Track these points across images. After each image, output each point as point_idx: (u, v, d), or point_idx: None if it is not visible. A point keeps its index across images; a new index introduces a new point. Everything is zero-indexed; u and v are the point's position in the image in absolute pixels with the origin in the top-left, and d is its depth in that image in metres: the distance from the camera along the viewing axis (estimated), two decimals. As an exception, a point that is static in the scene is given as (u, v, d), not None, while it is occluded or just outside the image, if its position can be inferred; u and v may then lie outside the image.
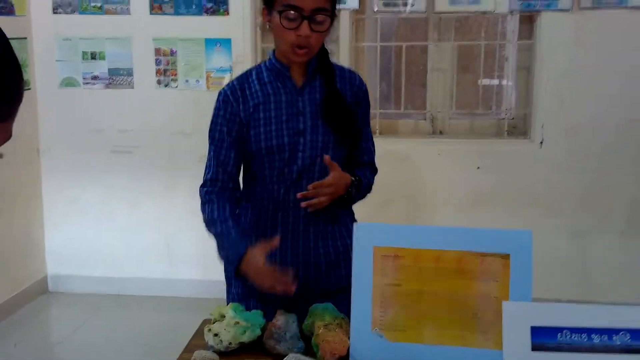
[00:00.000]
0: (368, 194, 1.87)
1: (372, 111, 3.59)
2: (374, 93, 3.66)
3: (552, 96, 3.44)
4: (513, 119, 3.67)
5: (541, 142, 3.48)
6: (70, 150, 3.88)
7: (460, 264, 1.33)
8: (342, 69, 1.82)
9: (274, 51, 1.77)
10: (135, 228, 3.90)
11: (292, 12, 1.61)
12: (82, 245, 3.95)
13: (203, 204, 1.75)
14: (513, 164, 3.54)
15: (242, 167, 1.80)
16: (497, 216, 3.53)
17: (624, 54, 3.36)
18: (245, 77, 1.79)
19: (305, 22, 1.62)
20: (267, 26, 1.72)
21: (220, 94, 1.78)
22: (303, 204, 1.68)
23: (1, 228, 3.60)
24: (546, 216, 3.53)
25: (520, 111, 3.63)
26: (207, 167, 1.77)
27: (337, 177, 1.68)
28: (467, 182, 3.57)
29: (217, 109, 1.76)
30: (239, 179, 1.81)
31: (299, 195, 1.68)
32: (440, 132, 3.71)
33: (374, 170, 1.90)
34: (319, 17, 1.63)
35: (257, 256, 1.59)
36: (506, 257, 1.32)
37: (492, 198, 3.57)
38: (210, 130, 1.77)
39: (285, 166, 1.71)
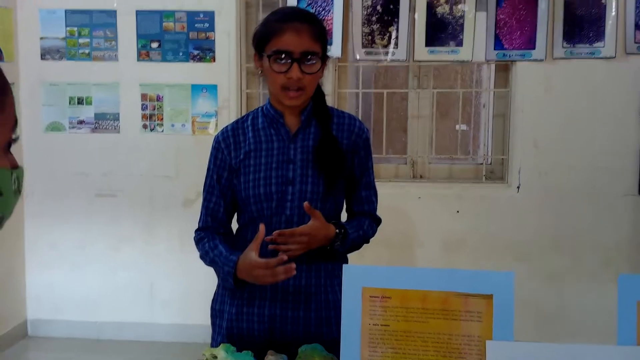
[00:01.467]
0: (365, 244, 1.85)
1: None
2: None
3: (527, 142, 3.56)
4: (490, 163, 3.78)
5: (518, 187, 3.58)
6: (53, 193, 3.90)
7: (445, 304, 1.39)
8: (341, 114, 1.81)
9: (269, 98, 1.79)
10: (116, 272, 3.90)
11: (282, 55, 1.64)
12: (62, 289, 3.94)
13: (196, 244, 1.80)
14: (491, 208, 3.63)
15: (236, 211, 1.82)
16: (475, 259, 3.60)
17: (595, 102, 3.50)
18: (240, 122, 1.80)
19: (295, 65, 1.64)
20: (260, 71, 1.74)
21: (214, 139, 1.80)
22: (270, 247, 1.63)
23: (-17, 272, 3.59)
24: (521, 259, 3.61)
25: (498, 156, 3.75)
26: (200, 214, 1.81)
27: (315, 226, 1.63)
28: (447, 225, 3.64)
29: (210, 155, 1.80)
30: (230, 225, 1.83)
31: (266, 239, 1.62)
32: (421, 176, 3.80)
33: (376, 221, 1.88)
34: (309, 60, 1.66)
35: (248, 254, 1.60)
36: (489, 297, 1.38)
37: (470, 241, 3.64)
38: (205, 176, 1.81)
39: (273, 215, 1.71)
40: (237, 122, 1.82)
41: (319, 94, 1.78)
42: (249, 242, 1.70)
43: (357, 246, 1.82)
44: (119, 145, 3.85)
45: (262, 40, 1.69)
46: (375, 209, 1.89)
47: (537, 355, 1.32)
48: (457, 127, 3.72)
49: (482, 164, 3.74)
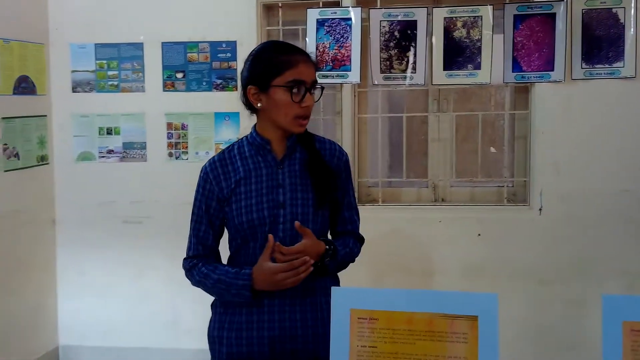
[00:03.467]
0: (351, 263, 1.90)
1: (375, 180, 3.73)
2: (377, 163, 3.78)
3: (548, 163, 3.52)
4: (513, 186, 3.75)
5: (540, 209, 3.54)
6: (83, 221, 4.01)
7: (431, 325, 1.40)
8: (322, 140, 1.90)
9: (254, 126, 1.86)
10: (142, 298, 3.97)
11: (298, 86, 1.73)
12: (91, 315, 4.03)
13: (188, 271, 1.86)
14: (513, 231, 3.59)
15: (228, 237, 1.88)
16: (496, 283, 3.56)
17: (616, 123, 3.45)
18: (227, 151, 1.87)
19: (308, 94, 1.74)
20: (258, 104, 1.78)
21: (201, 170, 1.87)
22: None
23: (16, 298, 3.70)
24: (544, 284, 3.56)
25: (520, 178, 3.71)
26: (189, 242, 1.88)
27: (308, 244, 1.70)
28: (468, 249, 3.61)
29: (198, 184, 1.86)
30: (218, 250, 1.90)
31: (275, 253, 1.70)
32: (442, 200, 3.79)
33: (359, 239, 1.93)
34: (316, 88, 1.77)
35: (263, 264, 1.69)
36: (474, 319, 1.38)
37: (492, 265, 3.60)
38: (193, 205, 1.87)
39: (266, 239, 1.74)
40: (222, 152, 1.88)
41: None
42: (242, 264, 1.75)
43: (345, 264, 1.87)
44: (145, 174, 3.95)
45: (270, 74, 1.74)
46: (357, 228, 1.95)
47: (522, 377, 1.31)
48: (478, 150, 3.70)
49: (503, 186, 3.71)
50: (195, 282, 1.84)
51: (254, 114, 1.87)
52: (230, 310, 1.82)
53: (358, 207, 2.00)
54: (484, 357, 1.36)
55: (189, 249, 1.88)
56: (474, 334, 1.37)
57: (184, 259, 1.88)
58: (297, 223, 1.71)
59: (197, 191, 1.86)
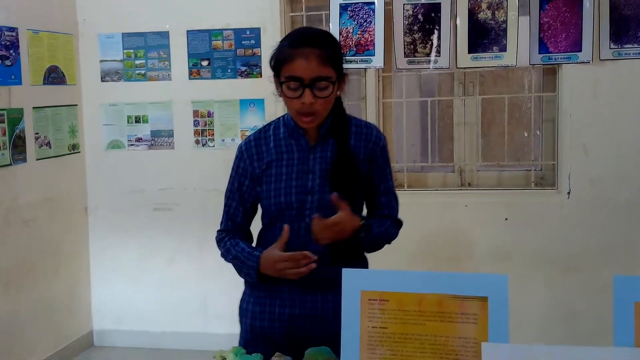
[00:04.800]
0: (387, 245, 1.89)
1: (400, 165, 3.71)
2: (402, 147, 3.76)
3: (576, 146, 3.46)
4: (540, 170, 3.70)
5: (568, 193, 3.48)
6: (114, 208, 4.09)
7: (441, 306, 1.39)
8: (359, 123, 1.86)
9: None
10: (172, 283, 4.04)
11: (292, 82, 1.69)
12: (123, 300, 4.12)
13: (218, 243, 1.91)
14: (540, 215, 3.54)
15: (260, 213, 1.90)
16: (524, 268, 3.52)
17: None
18: (263, 131, 1.88)
19: (307, 91, 1.68)
20: (279, 93, 1.79)
21: (237, 149, 1.89)
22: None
23: (50, 283, 3.80)
24: (572, 269, 3.51)
25: (548, 162, 3.66)
26: (222, 217, 1.92)
27: (343, 217, 1.69)
28: (495, 234, 3.58)
29: (234, 163, 1.89)
30: (248, 228, 1.93)
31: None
32: (469, 184, 3.76)
33: (397, 223, 1.91)
34: (321, 85, 1.69)
35: (272, 250, 1.72)
36: (484, 299, 1.37)
37: (519, 250, 3.56)
38: (228, 182, 1.90)
39: (294, 222, 1.77)
40: (259, 131, 1.89)
41: (339, 109, 1.83)
42: (268, 243, 1.78)
43: (379, 243, 1.86)
44: (173, 161, 4.00)
45: (277, 66, 1.75)
46: (396, 214, 1.93)
47: (532, 357, 1.30)
48: (505, 134, 3.65)
49: (531, 170, 3.66)
50: (222, 255, 1.90)
51: None
52: (257, 285, 1.85)
53: None
54: (494, 337, 1.35)
55: (221, 222, 1.92)
56: (484, 314, 1.37)
57: (217, 230, 1.93)
58: (334, 195, 1.70)
59: (233, 168, 1.89)
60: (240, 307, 1.93)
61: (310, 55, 1.69)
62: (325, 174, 1.78)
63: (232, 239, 1.87)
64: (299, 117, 1.74)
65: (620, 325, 1.26)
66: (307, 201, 1.77)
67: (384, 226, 1.85)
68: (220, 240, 1.90)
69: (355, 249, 1.81)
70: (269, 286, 1.82)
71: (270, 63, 1.79)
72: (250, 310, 1.88)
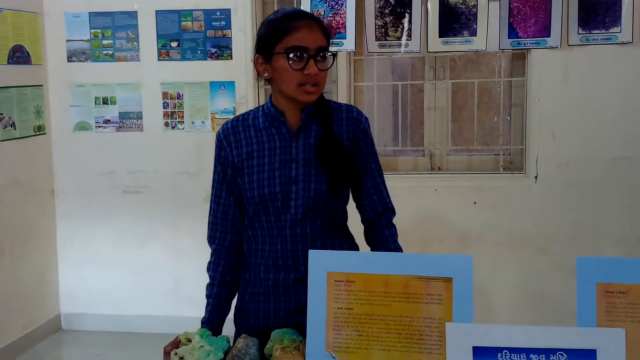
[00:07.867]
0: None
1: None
2: (373, 131, 3.75)
3: (545, 131, 3.50)
4: (509, 154, 3.73)
5: (536, 177, 3.53)
6: (82, 191, 4.03)
7: (406, 287, 1.40)
8: (339, 107, 1.80)
9: (270, 97, 1.79)
10: (143, 267, 4.01)
11: (298, 52, 1.64)
12: (93, 284, 4.07)
13: (207, 265, 1.89)
14: (509, 199, 3.58)
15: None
16: (494, 251, 3.57)
17: (613, 89, 3.42)
18: (241, 120, 1.80)
19: (312, 61, 1.65)
20: (265, 74, 1.73)
21: (216, 136, 1.81)
22: None
23: (16, 267, 3.74)
24: (541, 252, 3.56)
25: (516, 146, 3.69)
26: (210, 208, 1.84)
27: None
28: (465, 217, 3.61)
29: (215, 151, 1.82)
30: (243, 218, 1.83)
31: None
32: (439, 168, 3.78)
33: (392, 212, 1.94)
34: (323, 55, 1.67)
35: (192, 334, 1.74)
36: (449, 280, 1.38)
37: (488, 233, 3.60)
38: (213, 172, 1.83)
39: (280, 214, 1.73)
40: (236, 119, 1.81)
41: None
42: (254, 239, 1.80)
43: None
44: (142, 143, 3.95)
45: (272, 41, 1.69)
46: (384, 197, 1.90)
47: (496, 337, 1.32)
48: (475, 118, 3.68)
49: (499, 154, 3.69)
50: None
51: (269, 85, 1.80)
52: (252, 282, 1.82)
53: None
54: (458, 317, 1.36)
55: (209, 214, 1.84)
56: (449, 295, 1.38)
57: (207, 237, 1.87)
58: None
59: (215, 157, 1.82)
60: (236, 309, 1.89)
61: (313, 26, 1.68)
62: (309, 162, 1.73)
63: (216, 270, 1.85)
64: (302, 89, 1.67)
65: (583, 305, 1.28)
66: (291, 191, 1.72)
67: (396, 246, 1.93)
68: (210, 263, 1.87)
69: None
70: (262, 282, 1.79)
71: (259, 42, 1.73)
72: (244, 309, 1.84)
